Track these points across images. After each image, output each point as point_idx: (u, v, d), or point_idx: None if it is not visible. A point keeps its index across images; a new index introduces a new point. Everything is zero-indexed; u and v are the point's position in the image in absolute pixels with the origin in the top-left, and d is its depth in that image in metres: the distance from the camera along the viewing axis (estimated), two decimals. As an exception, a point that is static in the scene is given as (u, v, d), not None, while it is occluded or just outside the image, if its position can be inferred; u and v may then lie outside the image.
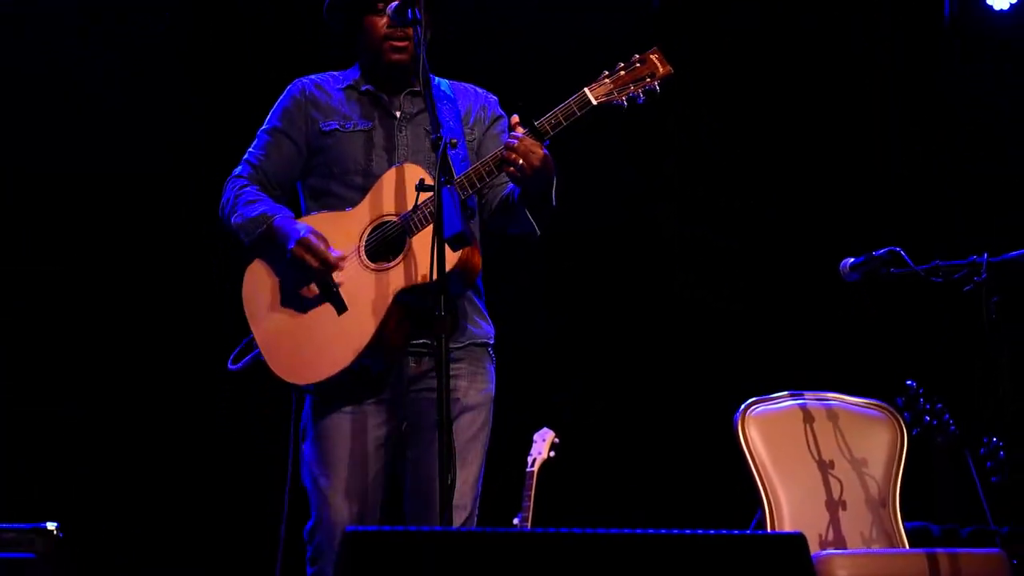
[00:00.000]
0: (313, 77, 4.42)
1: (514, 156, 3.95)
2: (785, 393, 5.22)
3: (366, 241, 4.08)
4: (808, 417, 5.14)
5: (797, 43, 7.30)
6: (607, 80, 4.03)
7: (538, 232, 4.22)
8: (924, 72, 7.25)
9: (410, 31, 4.10)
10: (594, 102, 4.01)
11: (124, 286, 6.65)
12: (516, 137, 3.97)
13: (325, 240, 4.07)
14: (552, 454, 6.11)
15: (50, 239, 6.61)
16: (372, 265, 4.06)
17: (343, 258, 4.07)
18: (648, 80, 4.04)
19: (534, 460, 6.07)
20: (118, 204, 6.66)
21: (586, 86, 4.02)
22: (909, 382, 5.66)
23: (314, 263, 4.03)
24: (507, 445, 5.76)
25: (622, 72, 4.04)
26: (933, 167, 7.22)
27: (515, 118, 4.04)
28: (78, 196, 6.62)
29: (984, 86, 7.17)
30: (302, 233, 4.06)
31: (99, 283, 6.62)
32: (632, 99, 4.03)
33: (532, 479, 6.01)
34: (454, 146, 3.98)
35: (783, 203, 7.30)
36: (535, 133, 3.98)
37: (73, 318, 6.60)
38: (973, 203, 7.09)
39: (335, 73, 4.42)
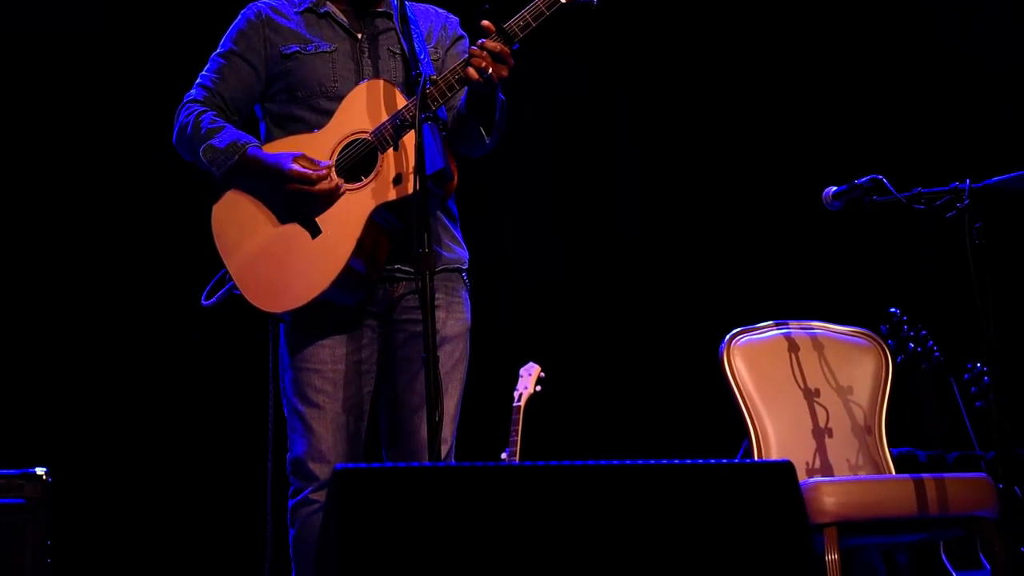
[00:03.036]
0: (268, 1, 4.27)
1: (484, 64, 3.86)
2: (770, 323, 5.22)
3: (336, 161, 4.00)
4: (793, 346, 5.14)
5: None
6: None
7: (487, 141, 4.09)
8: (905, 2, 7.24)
9: None
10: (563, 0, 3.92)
11: (97, 228, 6.63)
12: (482, 42, 3.87)
13: (306, 158, 3.98)
14: (538, 388, 6.13)
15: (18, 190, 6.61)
16: (345, 186, 3.99)
17: (330, 168, 3.98)
18: None
19: (520, 395, 6.09)
20: (82, 148, 6.65)
21: None
22: (893, 309, 5.69)
23: (311, 187, 3.93)
24: (493, 380, 5.79)
25: None
26: (915, 93, 7.22)
27: (487, 22, 3.89)
28: (43, 141, 6.61)
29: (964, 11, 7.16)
30: (287, 163, 3.97)
31: (74, 227, 6.61)
32: None
33: (519, 414, 6.03)
34: (434, 83, 3.93)
35: (766, 131, 7.29)
36: (504, 36, 3.87)
37: (50, 262, 6.60)
38: (955, 128, 7.09)
39: None
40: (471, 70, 3.88)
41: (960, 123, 7.10)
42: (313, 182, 3.95)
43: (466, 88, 4.01)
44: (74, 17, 6.59)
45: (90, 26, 6.62)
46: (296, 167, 3.96)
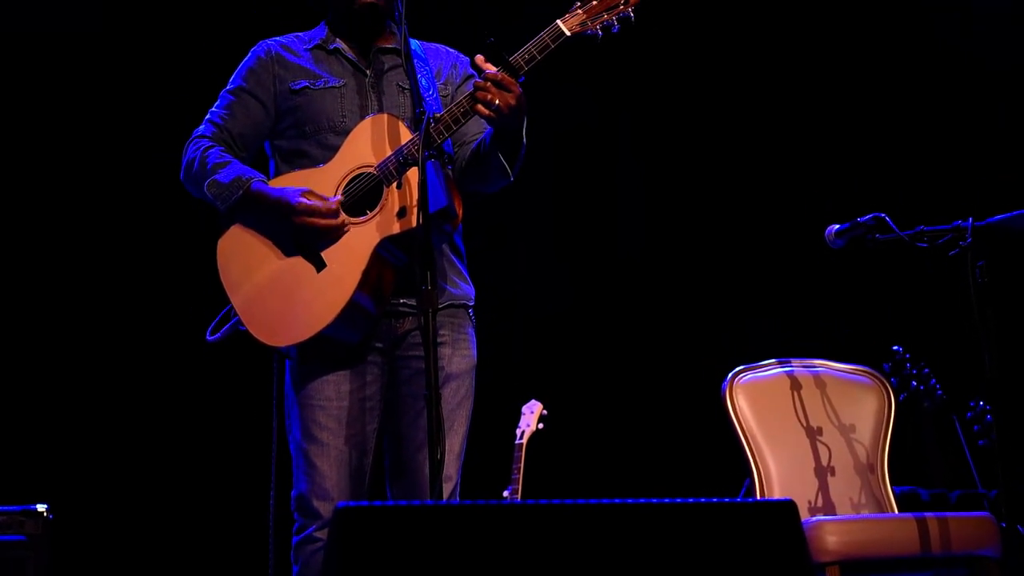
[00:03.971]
0: (278, 38, 4.32)
1: (489, 96, 3.87)
2: (772, 361, 5.23)
3: (342, 195, 4.01)
4: (796, 384, 5.14)
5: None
6: (579, 10, 3.94)
7: (511, 177, 4.12)
8: (909, 33, 7.24)
9: None
10: (567, 33, 3.91)
11: (101, 263, 6.64)
12: (489, 74, 3.89)
13: (313, 193, 3.99)
14: (540, 426, 6.12)
15: (24, 219, 6.62)
16: (350, 219, 3.99)
17: (339, 203, 3.99)
18: (621, 7, 3.94)
19: (522, 432, 6.09)
20: (89, 178, 6.66)
21: (558, 18, 3.94)
22: (895, 347, 5.68)
23: (321, 220, 3.95)
24: (495, 418, 5.78)
25: (594, 1, 3.95)
26: (921, 132, 7.22)
27: (479, 57, 3.93)
28: (50, 169, 6.63)
29: (970, 45, 7.17)
30: (294, 197, 3.98)
31: (78, 264, 6.63)
32: (607, 28, 3.94)
33: (521, 451, 6.02)
34: (438, 119, 3.94)
35: (769, 169, 7.30)
36: (509, 69, 3.90)
37: (52, 296, 6.60)
38: (958, 166, 7.09)
39: (300, 34, 4.33)
40: (479, 105, 3.90)
41: (966, 135, 7.10)
42: (324, 215, 3.96)
43: (489, 129, 4.04)
44: (74, 17, 6.62)
45: (90, 26, 6.65)
46: (304, 201, 3.98)
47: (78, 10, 6.62)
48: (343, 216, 3.98)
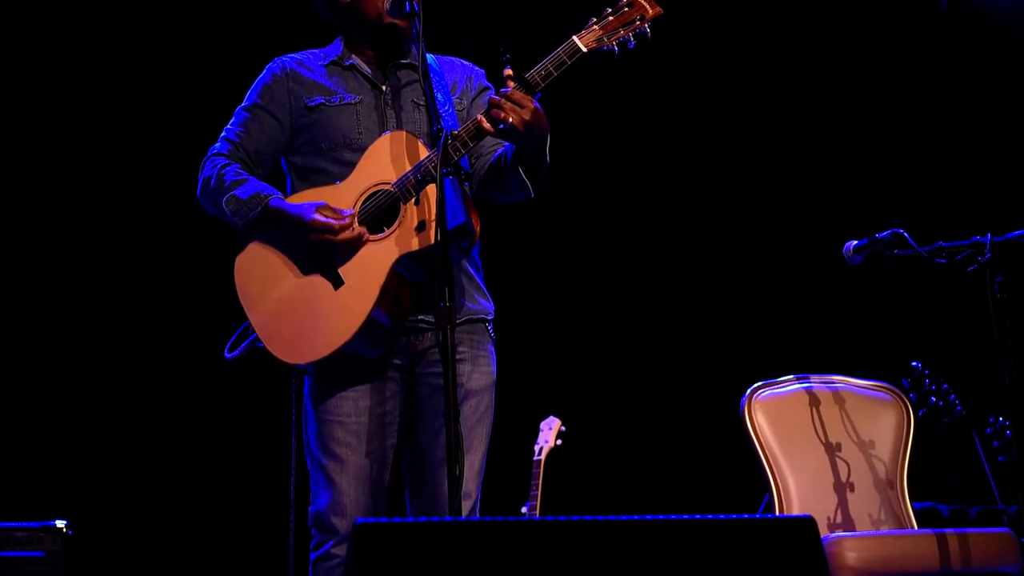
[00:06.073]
0: (293, 55, 4.31)
1: (503, 114, 3.86)
2: (791, 377, 5.22)
3: (359, 212, 4.00)
4: (814, 400, 5.14)
5: (800, 17, 7.29)
6: (595, 26, 3.93)
7: (532, 194, 4.10)
8: (928, 47, 7.24)
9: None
10: (584, 49, 3.91)
11: (120, 280, 6.67)
12: (503, 91, 3.89)
13: (329, 208, 3.99)
14: (559, 442, 6.12)
15: (45, 234, 6.65)
16: (368, 236, 3.98)
17: (353, 216, 3.99)
18: (638, 23, 3.93)
19: (541, 449, 6.08)
20: (109, 193, 6.69)
21: (574, 35, 3.93)
22: (914, 363, 5.67)
23: (334, 237, 3.94)
24: (514, 434, 5.78)
25: (610, 17, 3.94)
26: (938, 147, 7.22)
27: (508, 71, 3.91)
28: (70, 186, 6.67)
29: (984, 64, 7.16)
30: (309, 213, 3.97)
31: (98, 281, 6.65)
32: (623, 44, 3.93)
33: (539, 468, 6.02)
34: (454, 138, 3.94)
35: (787, 185, 7.30)
36: (525, 86, 3.89)
37: (71, 311, 6.62)
38: (976, 183, 7.08)
39: (315, 51, 4.32)
40: (486, 123, 3.90)
41: (985, 151, 7.10)
42: (335, 231, 3.96)
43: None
44: (113, 23, 6.66)
45: (129, 32, 6.70)
46: (318, 217, 3.97)
47: (85, 18, 6.67)
48: (358, 228, 3.97)
